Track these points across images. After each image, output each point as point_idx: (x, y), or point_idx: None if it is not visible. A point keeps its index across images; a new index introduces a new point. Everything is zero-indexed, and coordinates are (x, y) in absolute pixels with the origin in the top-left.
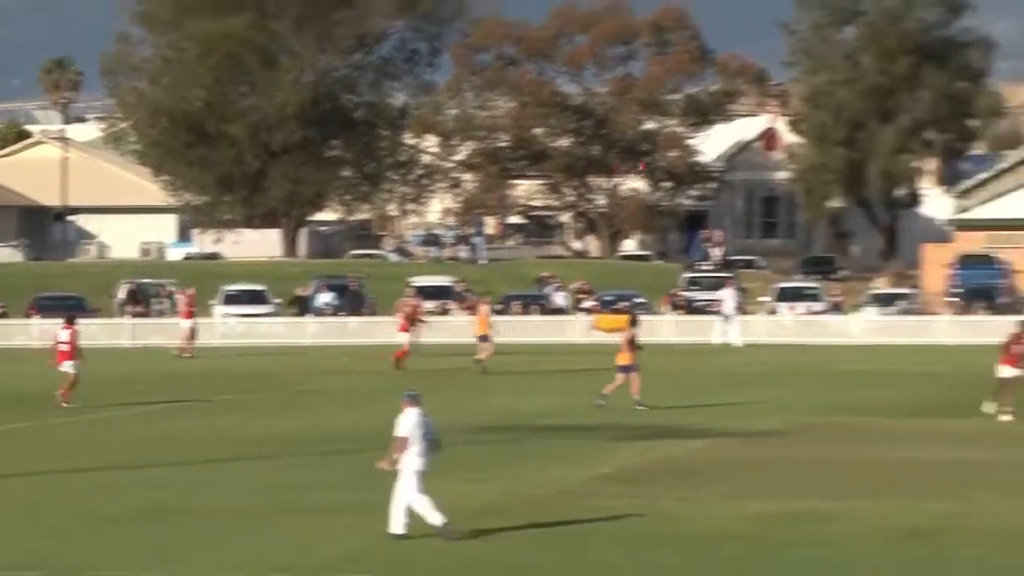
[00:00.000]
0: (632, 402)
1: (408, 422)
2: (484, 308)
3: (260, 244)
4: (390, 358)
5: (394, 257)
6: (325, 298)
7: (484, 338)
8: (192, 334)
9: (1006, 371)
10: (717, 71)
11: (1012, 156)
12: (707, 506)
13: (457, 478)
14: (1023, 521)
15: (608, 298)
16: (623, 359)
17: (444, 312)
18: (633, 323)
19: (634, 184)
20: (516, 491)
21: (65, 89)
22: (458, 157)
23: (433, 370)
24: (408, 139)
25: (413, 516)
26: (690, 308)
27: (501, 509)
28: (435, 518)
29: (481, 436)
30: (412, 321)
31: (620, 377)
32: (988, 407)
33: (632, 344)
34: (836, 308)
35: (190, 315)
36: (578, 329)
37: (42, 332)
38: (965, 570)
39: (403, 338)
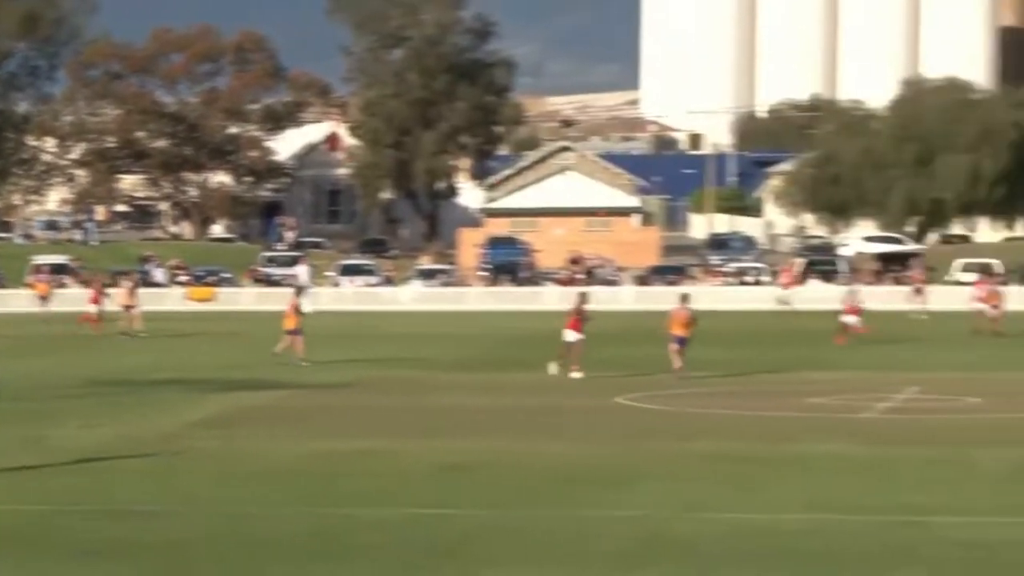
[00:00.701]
0: (298, 359)
1: None
2: (127, 283)
3: None
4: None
5: (20, 239)
6: None
7: (128, 308)
8: None
9: (570, 335)
10: (289, 85)
11: (530, 156)
12: (283, 445)
13: (76, 424)
14: (546, 458)
15: (199, 273)
16: (290, 324)
17: (62, 285)
18: (298, 293)
19: (220, 178)
20: (124, 434)
21: None
22: (73, 156)
23: (56, 335)
24: (30, 141)
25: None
26: (269, 281)
27: (110, 450)
28: None
29: (96, 389)
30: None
31: (288, 339)
32: (553, 368)
33: (297, 311)
34: (388, 281)
35: None
36: (174, 299)
37: None
38: (493, 495)
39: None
